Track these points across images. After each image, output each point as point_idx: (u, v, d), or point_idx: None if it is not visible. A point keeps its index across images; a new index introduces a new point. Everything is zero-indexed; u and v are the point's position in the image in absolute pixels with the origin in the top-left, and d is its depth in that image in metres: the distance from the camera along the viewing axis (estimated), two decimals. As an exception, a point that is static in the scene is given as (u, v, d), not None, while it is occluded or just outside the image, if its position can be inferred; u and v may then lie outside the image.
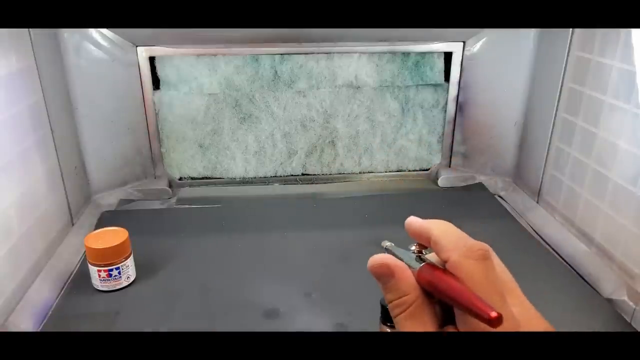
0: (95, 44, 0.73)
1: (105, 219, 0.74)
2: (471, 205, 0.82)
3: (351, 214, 0.77)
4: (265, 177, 0.87)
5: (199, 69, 0.79)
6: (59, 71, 0.72)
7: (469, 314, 0.25)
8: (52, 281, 0.60)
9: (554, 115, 0.75)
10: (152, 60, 0.78)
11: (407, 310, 0.28)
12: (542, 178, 0.79)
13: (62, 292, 0.60)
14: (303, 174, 0.89)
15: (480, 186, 0.87)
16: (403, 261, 0.30)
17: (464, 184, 0.88)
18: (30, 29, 0.62)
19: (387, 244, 0.34)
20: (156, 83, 0.80)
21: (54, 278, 0.61)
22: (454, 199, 0.84)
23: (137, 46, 0.76)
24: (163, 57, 0.78)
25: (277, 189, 0.86)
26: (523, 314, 0.26)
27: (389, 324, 0.46)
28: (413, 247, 0.32)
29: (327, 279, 0.62)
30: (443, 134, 0.89)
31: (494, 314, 0.23)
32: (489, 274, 0.27)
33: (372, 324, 0.54)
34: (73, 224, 0.73)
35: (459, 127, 0.88)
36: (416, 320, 0.28)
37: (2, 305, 0.53)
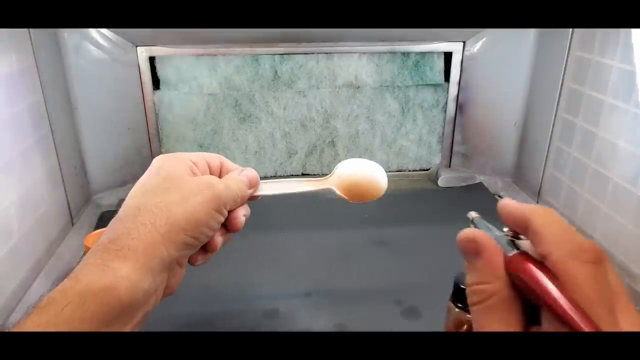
0: (95, 44, 0.73)
1: (105, 219, 0.74)
2: (471, 205, 0.81)
3: (351, 214, 0.77)
4: (265, 177, 0.87)
5: (199, 69, 0.79)
6: (59, 71, 0.72)
7: (562, 324, 0.21)
8: (52, 281, 0.60)
9: (554, 115, 0.75)
10: (152, 60, 0.78)
11: (486, 302, 0.24)
12: (542, 178, 0.79)
13: (62, 292, 0.60)
14: (303, 174, 0.89)
15: (480, 186, 0.87)
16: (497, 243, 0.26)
17: (464, 184, 0.88)
18: (30, 29, 0.62)
19: (473, 214, 0.29)
20: (156, 83, 0.80)
21: (54, 278, 0.61)
22: (454, 199, 0.84)
23: (137, 46, 0.76)
24: (163, 57, 0.78)
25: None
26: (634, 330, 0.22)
27: (459, 305, 0.41)
28: (506, 229, 0.27)
29: (327, 279, 0.62)
30: (443, 134, 0.89)
31: (593, 328, 0.20)
32: (598, 281, 0.23)
33: (372, 324, 0.54)
34: (73, 224, 0.73)
35: (459, 127, 0.88)
36: (495, 317, 0.24)
37: (2, 305, 0.53)
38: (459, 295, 0.41)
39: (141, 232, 0.34)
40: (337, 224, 0.74)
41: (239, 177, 0.42)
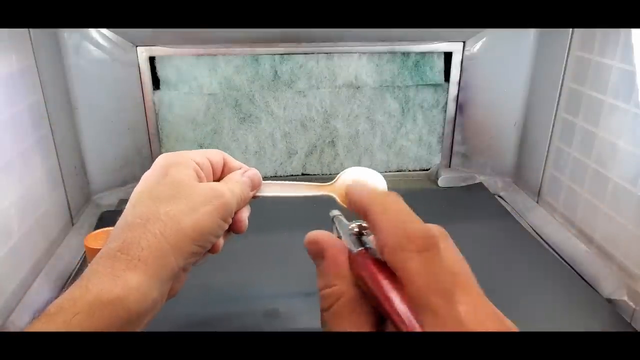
0: (95, 44, 0.73)
1: (105, 219, 0.74)
2: (471, 205, 0.82)
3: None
4: (265, 177, 0.87)
5: (199, 69, 0.79)
6: (59, 71, 0.72)
7: (390, 320, 0.21)
8: (52, 281, 0.60)
9: (554, 115, 0.75)
10: (152, 60, 0.78)
11: (335, 305, 0.23)
12: (542, 178, 0.79)
13: (62, 292, 0.59)
14: (303, 174, 0.89)
15: (480, 186, 0.87)
16: (344, 241, 0.25)
17: (464, 184, 0.88)
18: (30, 29, 0.62)
19: (334, 212, 0.27)
20: (156, 83, 0.80)
21: (54, 278, 0.61)
22: (454, 199, 0.84)
23: (137, 46, 0.76)
24: (163, 57, 0.78)
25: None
26: (474, 314, 0.22)
27: None
28: (351, 226, 0.26)
29: (327, 279, 0.61)
30: (443, 134, 0.89)
31: (404, 328, 0.20)
32: (430, 268, 0.22)
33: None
34: (73, 224, 0.73)
35: (459, 127, 0.88)
36: (344, 319, 0.23)
37: (2, 305, 0.53)
38: None
39: (151, 242, 0.34)
40: (337, 224, 0.74)
41: (242, 179, 0.42)
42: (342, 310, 0.23)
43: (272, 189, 0.45)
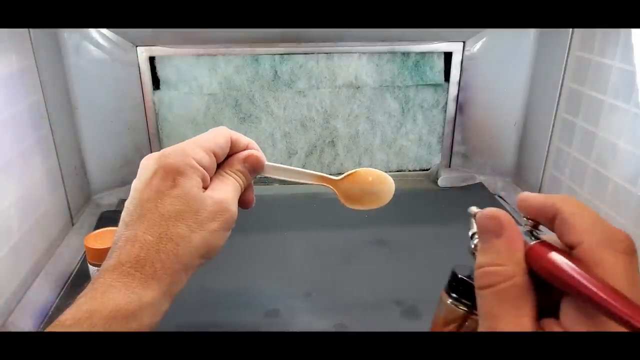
0: (95, 44, 0.73)
1: (105, 219, 0.74)
2: (471, 205, 0.82)
3: (351, 214, 0.77)
4: (265, 177, 0.87)
5: (199, 69, 0.79)
6: (59, 71, 0.72)
7: (608, 315, 0.20)
8: (52, 281, 0.60)
9: (554, 115, 0.75)
10: (152, 60, 0.78)
11: (499, 285, 0.23)
12: (542, 178, 0.79)
13: (62, 292, 0.60)
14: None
15: (480, 186, 0.87)
16: None
17: (464, 184, 0.88)
18: (30, 29, 0.62)
19: (474, 209, 0.28)
20: (156, 83, 0.80)
21: (54, 278, 0.61)
22: (454, 199, 0.84)
23: (137, 46, 0.76)
24: (163, 57, 0.78)
25: (277, 189, 0.86)
26: None
27: (453, 296, 0.38)
28: (525, 219, 0.26)
29: (327, 279, 0.62)
30: (443, 134, 0.89)
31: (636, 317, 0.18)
32: (632, 273, 0.22)
33: (372, 323, 0.54)
34: (73, 224, 0.73)
35: (459, 127, 0.88)
36: (507, 303, 0.22)
37: (2, 305, 0.53)
38: (455, 286, 0.40)
39: (164, 262, 0.35)
40: (337, 224, 0.74)
41: (241, 167, 0.42)
42: (508, 291, 0.23)
43: (278, 172, 0.46)
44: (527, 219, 0.26)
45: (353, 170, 0.47)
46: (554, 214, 0.24)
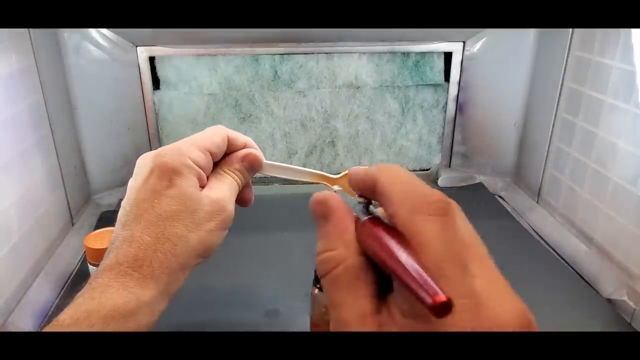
0: (95, 44, 0.73)
1: (105, 219, 0.74)
2: (471, 205, 0.81)
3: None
4: (265, 176, 0.87)
5: (199, 69, 0.79)
6: (59, 71, 0.72)
7: (409, 293, 0.19)
8: (52, 281, 0.60)
9: (554, 115, 0.75)
10: (152, 60, 0.78)
11: (335, 270, 0.22)
12: (542, 178, 0.79)
13: (62, 292, 0.60)
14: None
15: (480, 186, 0.87)
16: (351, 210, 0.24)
17: (464, 184, 0.88)
18: (30, 29, 0.62)
19: (336, 188, 0.26)
20: (156, 83, 0.80)
21: (54, 278, 0.61)
22: (454, 199, 0.83)
23: (137, 46, 0.76)
24: (163, 57, 0.78)
25: (277, 189, 0.86)
26: (488, 288, 0.20)
27: (318, 286, 0.39)
28: (359, 197, 0.25)
29: (327, 279, 0.61)
30: (443, 134, 0.89)
31: (438, 298, 0.18)
32: (447, 234, 0.21)
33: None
34: (73, 224, 0.73)
35: (459, 127, 0.88)
36: (343, 287, 0.22)
37: (2, 305, 0.53)
38: (317, 278, 0.41)
39: (162, 262, 0.35)
40: (337, 224, 0.74)
41: (239, 166, 0.42)
42: (341, 276, 0.22)
43: (276, 171, 0.45)
44: (359, 195, 0.25)
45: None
46: (374, 187, 0.23)
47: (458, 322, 0.19)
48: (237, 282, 0.61)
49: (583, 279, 0.63)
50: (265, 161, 0.44)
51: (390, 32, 0.79)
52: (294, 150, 0.87)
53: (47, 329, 0.31)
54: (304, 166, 0.88)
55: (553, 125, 0.76)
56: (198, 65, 0.79)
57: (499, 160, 0.88)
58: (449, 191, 0.88)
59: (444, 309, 0.18)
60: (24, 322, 0.53)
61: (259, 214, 0.77)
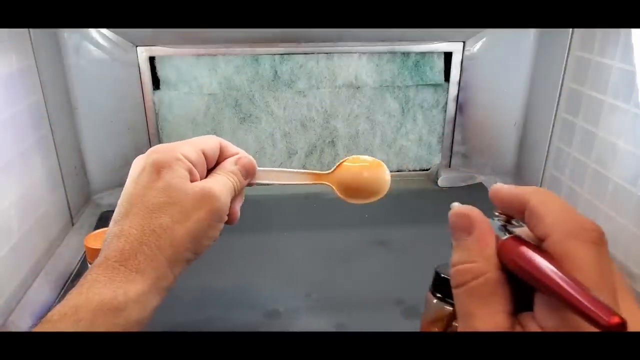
0: (95, 44, 0.73)
1: (105, 219, 0.74)
2: (471, 205, 0.82)
3: (351, 214, 0.77)
4: (257, 183, 0.87)
5: (199, 69, 0.80)
6: (59, 71, 0.72)
7: (575, 312, 0.19)
8: (52, 281, 0.60)
9: (554, 115, 0.75)
10: (152, 60, 0.78)
11: (471, 283, 0.22)
12: (542, 178, 0.79)
13: (62, 292, 0.60)
14: (304, 170, 0.89)
15: (480, 186, 0.87)
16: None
17: (464, 184, 0.88)
18: (30, 29, 0.62)
19: (456, 204, 0.27)
20: (156, 83, 0.80)
21: (54, 278, 0.61)
22: (454, 199, 0.84)
23: (137, 46, 0.76)
24: (163, 57, 0.78)
25: (277, 189, 0.86)
26: (632, 321, 0.19)
27: (438, 296, 0.39)
28: (497, 213, 0.25)
29: (327, 279, 0.61)
30: (443, 134, 0.89)
31: (615, 320, 0.18)
32: (601, 262, 0.21)
33: (372, 323, 0.54)
34: (73, 224, 0.73)
35: (459, 127, 0.88)
36: (480, 299, 0.22)
37: (2, 305, 0.53)
38: (438, 286, 0.40)
39: (147, 255, 0.35)
40: (337, 224, 0.74)
41: (234, 168, 0.42)
42: (480, 289, 0.22)
43: (269, 177, 0.45)
44: (500, 213, 0.25)
45: (342, 160, 0.46)
46: (524, 206, 0.24)
47: None
48: (237, 282, 0.61)
49: (583, 279, 0.63)
50: (258, 168, 0.44)
51: (390, 32, 0.79)
52: (294, 150, 0.87)
53: (38, 326, 0.31)
54: (303, 166, 0.88)
55: (553, 125, 0.76)
56: (198, 65, 0.79)
57: (499, 160, 0.88)
58: (449, 191, 0.88)
59: (617, 329, 0.18)
60: (24, 322, 0.53)
61: (259, 214, 0.77)
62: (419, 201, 0.83)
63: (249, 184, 0.44)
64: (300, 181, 0.46)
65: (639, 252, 0.58)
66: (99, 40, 0.73)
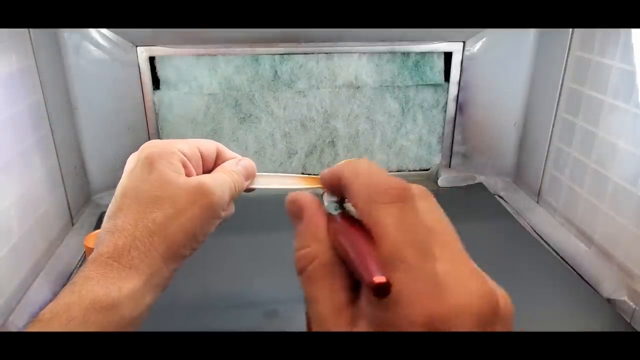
0: (95, 44, 0.73)
1: (105, 219, 0.74)
2: (471, 205, 0.82)
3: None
4: (254, 189, 0.87)
5: (199, 69, 0.79)
6: (59, 71, 0.72)
7: (357, 277, 0.19)
8: (52, 281, 0.60)
9: (554, 115, 0.75)
10: (152, 60, 0.78)
11: (310, 267, 0.23)
12: (542, 178, 0.79)
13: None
14: (303, 174, 0.89)
15: (480, 186, 0.87)
16: (325, 208, 0.24)
17: (464, 184, 0.88)
18: (30, 29, 0.62)
19: (321, 191, 0.27)
20: (156, 83, 0.80)
21: (54, 278, 0.61)
22: (454, 199, 0.84)
23: (137, 46, 0.76)
24: (163, 57, 0.78)
25: (277, 189, 0.86)
26: (452, 271, 0.20)
27: None
28: (327, 195, 0.26)
29: (327, 279, 0.61)
30: (443, 134, 0.89)
31: (377, 280, 0.18)
32: (405, 220, 0.21)
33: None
34: (73, 224, 0.73)
35: (459, 127, 0.88)
36: (317, 283, 0.22)
37: (2, 305, 0.53)
38: None
39: (141, 250, 0.34)
40: (337, 224, 0.74)
41: (236, 168, 0.41)
42: (315, 272, 0.23)
43: (266, 181, 0.44)
44: (330, 194, 0.26)
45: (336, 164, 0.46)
46: (339, 183, 0.24)
47: (417, 306, 0.20)
48: (237, 283, 0.61)
49: (583, 279, 0.63)
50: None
51: (390, 32, 0.79)
52: (294, 150, 0.87)
53: (30, 325, 0.30)
54: (303, 166, 0.88)
55: (553, 125, 0.76)
56: (198, 65, 0.79)
57: (499, 160, 0.88)
58: (449, 191, 0.88)
59: (382, 290, 0.18)
60: (24, 322, 0.53)
61: (259, 214, 0.77)
62: (419, 201, 0.83)
63: (247, 190, 0.44)
64: (298, 185, 0.46)
65: (639, 252, 0.58)
66: (99, 40, 0.73)
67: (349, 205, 0.24)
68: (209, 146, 0.41)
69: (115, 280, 0.33)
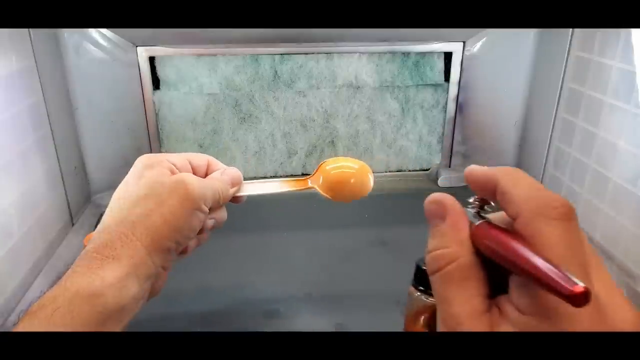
0: (95, 44, 0.73)
1: (105, 219, 0.74)
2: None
3: (351, 214, 0.77)
4: (265, 177, 0.87)
5: (199, 69, 0.79)
6: (59, 71, 0.72)
7: (542, 287, 0.19)
8: (52, 281, 0.60)
9: (554, 115, 0.75)
10: (152, 60, 0.78)
11: (446, 268, 0.23)
12: (542, 178, 0.79)
13: (62, 292, 0.60)
14: (303, 174, 0.89)
15: (480, 186, 0.87)
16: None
17: (464, 184, 0.88)
18: (30, 29, 0.62)
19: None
20: (156, 83, 0.80)
21: (54, 278, 0.61)
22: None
23: (137, 46, 0.76)
24: (163, 57, 0.78)
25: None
26: (607, 296, 0.20)
27: (421, 288, 0.39)
28: (471, 200, 0.26)
29: (327, 279, 0.62)
30: (443, 134, 0.89)
31: (579, 288, 0.18)
32: (570, 239, 0.21)
33: (372, 324, 0.54)
34: (73, 224, 0.73)
35: (459, 127, 0.88)
36: (453, 284, 0.22)
37: (2, 305, 0.53)
38: (420, 279, 0.40)
39: (124, 242, 0.36)
40: (337, 224, 0.74)
41: (221, 176, 0.43)
42: (454, 273, 0.22)
43: (253, 188, 0.45)
44: (474, 200, 0.26)
45: (322, 162, 0.47)
46: (495, 186, 0.24)
47: (580, 324, 0.20)
48: (237, 282, 0.61)
49: (583, 279, 0.63)
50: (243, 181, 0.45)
51: (390, 32, 0.79)
52: (294, 150, 0.87)
53: (20, 320, 0.32)
54: (303, 166, 0.88)
55: (553, 125, 0.76)
56: (198, 65, 0.79)
57: (499, 160, 0.88)
58: (449, 191, 0.88)
59: (584, 298, 0.18)
60: (24, 322, 0.53)
61: (259, 214, 0.77)
62: (419, 201, 0.82)
63: (236, 200, 0.45)
64: (283, 189, 0.47)
65: (639, 252, 0.58)
66: (99, 40, 0.73)
67: (487, 215, 0.25)
68: (200, 158, 0.44)
69: (98, 270, 0.34)
